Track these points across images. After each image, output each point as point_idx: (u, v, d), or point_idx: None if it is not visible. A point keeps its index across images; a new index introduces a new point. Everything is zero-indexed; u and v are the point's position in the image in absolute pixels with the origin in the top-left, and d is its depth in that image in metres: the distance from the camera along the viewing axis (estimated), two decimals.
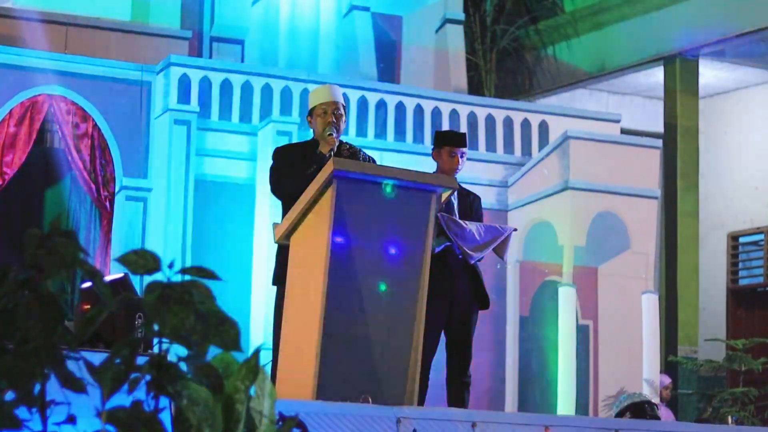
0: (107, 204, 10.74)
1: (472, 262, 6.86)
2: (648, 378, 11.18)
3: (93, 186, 10.71)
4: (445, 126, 11.59)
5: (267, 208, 10.36)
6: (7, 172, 10.49)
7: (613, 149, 11.45)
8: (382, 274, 5.95)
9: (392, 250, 5.98)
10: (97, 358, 2.26)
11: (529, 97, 14.92)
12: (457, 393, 7.03)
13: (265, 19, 12.85)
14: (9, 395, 2.19)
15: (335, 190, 5.77)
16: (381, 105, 11.59)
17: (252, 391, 2.36)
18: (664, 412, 11.22)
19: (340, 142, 6.60)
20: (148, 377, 2.22)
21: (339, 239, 5.80)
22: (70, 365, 2.24)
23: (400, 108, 11.66)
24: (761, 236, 14.75)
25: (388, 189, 5.90)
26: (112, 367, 2.19)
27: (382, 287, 5.90)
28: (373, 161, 6.68)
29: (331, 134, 6.51)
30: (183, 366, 2.24)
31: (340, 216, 5.81)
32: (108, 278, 6.66)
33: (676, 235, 13.40)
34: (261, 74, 11.26)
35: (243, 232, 10.74)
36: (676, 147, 13.58)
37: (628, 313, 11.34)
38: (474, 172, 11.05)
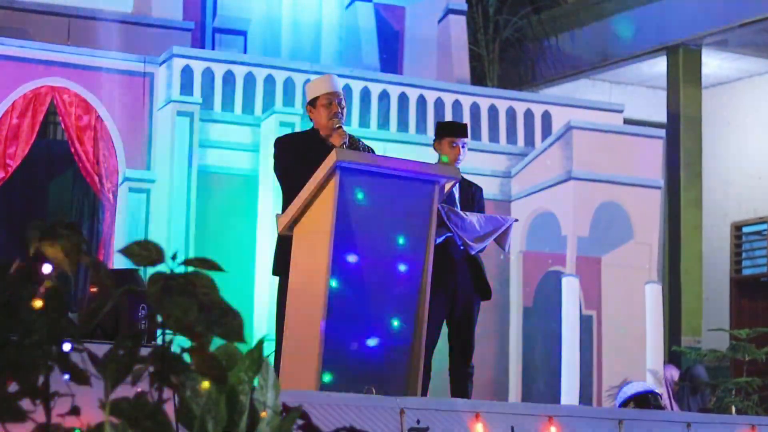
0: (110, 196, 10.75)
1: (473, 252, 6.87)
2: (651, 368, 11.18)
3: (96, 178, 10.71)
4: (448, 116, 11.59)
5: (270, 199, 10.36)
6: (10, 164, 10.49)
7: (616, 139, 11.44)
8: (385, 266, 5.95)
9: (395, 241, 5.98)
10: (100, 349, 2.26)
11: (532, 88, 14.91)
12: (460, 383, 7.04)
13: (268, 10, 12.84)
14: (13, 387, 2.20)
15: (338, 181, 5.78)
16: (384, 96, 11.59)
17: (255, 382, 2.36)
18: (675, 407, 11.20)
19: None
20: (151, 368, 2.22)
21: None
22: (74, 357, 2.24)
23: (403, 99, 11.65)
24: (764, 226, 14.75)
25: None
26: (116, 359, 2.20)
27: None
28: (372, 151, 6.68)
29: (340, 126, 6.51)
30: (186, 357, 2.24)
31: (342, 207, 5.81)
32: (119, 268, 6.68)
33: (680, 225, 13.39)
34: (264, 65, 11.25)
35: (246, 223, 10.75)
36: (679, 137, 13.57)
37: (631, 303, 11.34)
38: (477, 162, 11.04)
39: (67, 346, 2.21)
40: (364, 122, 11.43)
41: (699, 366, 12.02)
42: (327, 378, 5.76)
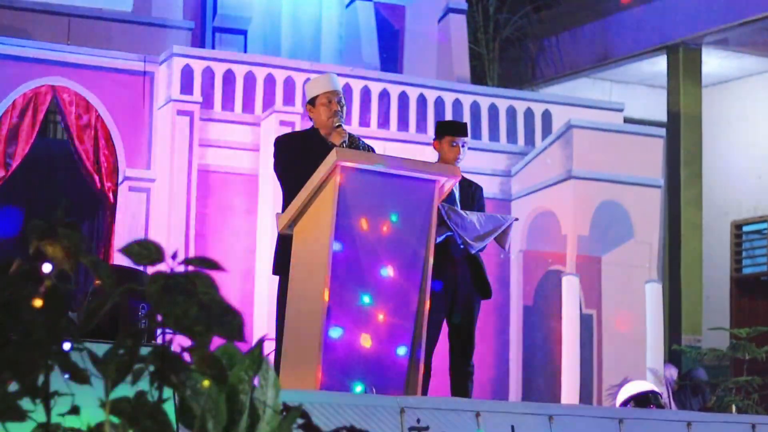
0: (110, 195, 10.75)
1: (473, 251, 6.87)
2: (652, 367, 11.18)
3: (96, 177, 10.71)
4: (448, 116, 11.59)
5: (270, 199, 10.36)
6: (10, 163, 10.49)
7: (616, 138, 11.44)
8: (386, 264, 5.95)
9: (395, 241, 5.98)
10: (100, 349, 2.26)
11: (532, 87, 14.91)
12: (461, 382, 7.05)
13: (268, 9, 12.84)
14: (13, 386, 2.19)
15: (338, 180, 5.78)
16: (384, 95, 11.58)
17: (256, 382, 2.36)
18: (674, 407, 11.20)
19: None
20: (151, 368, 2.22)
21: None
22: (74, 356, 2.24)
23: (403, 98, 11.65)
24: (765, 225, 14.75)
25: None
26: (116, 358, 2.19)
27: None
28: (372, 150, 6.69)
29: (340, 125, 6.52)
30: (186, 356, 2.24)
31: (343, 206, 5.81)
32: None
33: (680, 224, 13.39)
34: (264, 64, 11.24)
35: (246, 223, 10.75)
36: (680, 136, 13.57)
37: (631, 302, 11.34)
38: (477, 161, 11.04)
39: (67, 345, 2.21)
40: (364, 121, 11.43)
41: (699, 369, 12.01)
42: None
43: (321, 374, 5.69)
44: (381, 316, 5.92)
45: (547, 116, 12.09)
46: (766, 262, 14.78)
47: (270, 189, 10.32)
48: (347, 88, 11.18)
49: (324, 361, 5.72)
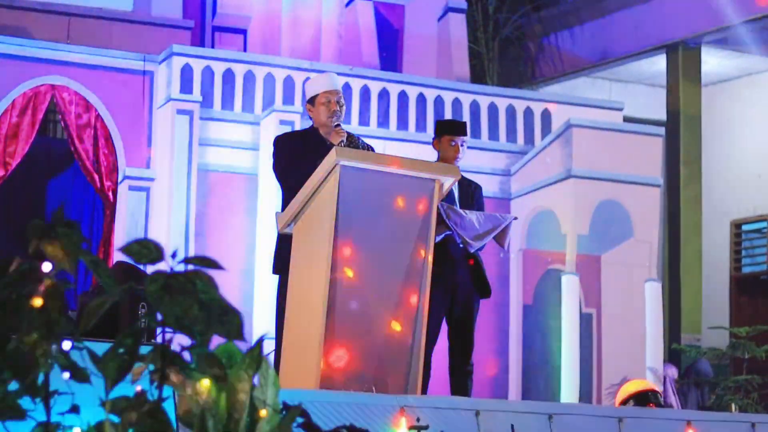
0: (110, 194, 10.75)
1: (472, 251, 6.87)
2: (651, 366, 11.18)
3: (96, 176, 10.71)
4: (448, 115, 11.59)
5: (270, 198, 10.36)
6: (10, 163, 10.49)
7: (615, 137, 11.44)
8: (385, 264, 5.95)
9: (395, 239, 5.98)
10: (100, 348, 2.27)
11: (532, 86, 14.90)
12: (460, 382, 7.05)
13: (267, 9, 12.84)
14: (13, 385, 2.20)
15: (338, 179, 5.78)
16: (383, 94, 11.59)
17: (255, 381, 2.36)
18: (677, 402, 11.21)
19: None
20: (151, 367, 2.23)
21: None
22: (74, 355, 2.25)
23: (403, 97, 11.65)
24: (764, 224, 14.74)
25: None
26: (116, 357, 2.20)
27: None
28: (372, 149, 6.69)
29: (338, 125, 6.52)
30: (186, 355, 2.25)
31: (342, 205, 5.82)
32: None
33: (679, 223, 13.39)
34: (263, 64, 11.25)
35: (246, 222, 10.75)
36: (679, 135, 13.57)
37: (631, 301, 11.34)
38: (477, 160, 11.05)
39: (67, 344, 2.21)
40: (363, 120, 11.43)
41: (703, 361, 12.02)
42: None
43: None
44: (378, 312, 5.92)
45: (546, 115, 12.09)
46: (766, 261, 14.78)
47: (270, 188, 10.32)
48: (347, 88, 11.18)
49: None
